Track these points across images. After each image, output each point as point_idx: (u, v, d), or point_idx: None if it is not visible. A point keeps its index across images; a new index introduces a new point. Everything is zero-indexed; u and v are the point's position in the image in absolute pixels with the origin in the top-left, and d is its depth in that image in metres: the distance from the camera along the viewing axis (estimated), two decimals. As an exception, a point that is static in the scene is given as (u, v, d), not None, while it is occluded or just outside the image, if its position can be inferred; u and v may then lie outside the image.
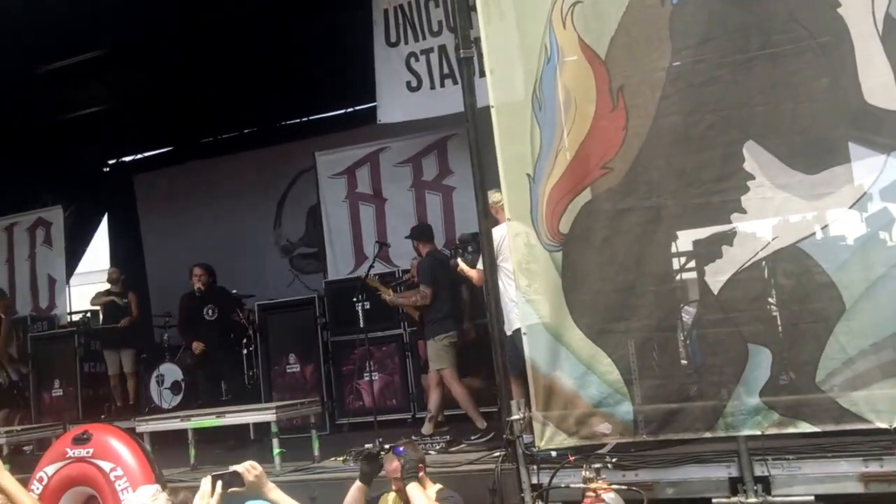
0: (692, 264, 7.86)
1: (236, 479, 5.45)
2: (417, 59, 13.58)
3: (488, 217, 8.97)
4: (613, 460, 7.80)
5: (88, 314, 18.62)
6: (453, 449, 10.63)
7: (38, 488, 9.56)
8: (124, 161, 23.14)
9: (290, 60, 17.44)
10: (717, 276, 7.58)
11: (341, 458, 10.73)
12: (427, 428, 11.76)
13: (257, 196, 20.30)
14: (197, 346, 14.43)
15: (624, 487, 7.42)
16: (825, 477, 7.45)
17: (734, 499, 7.58)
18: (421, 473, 7.49)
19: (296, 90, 18.68)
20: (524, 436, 8.37)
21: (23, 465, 11.44)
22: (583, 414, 8.02)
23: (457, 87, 10.07)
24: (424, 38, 13.55)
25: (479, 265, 9.75)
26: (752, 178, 7.42)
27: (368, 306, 12.89)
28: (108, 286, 16.99)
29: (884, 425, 7.08)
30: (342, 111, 19.61)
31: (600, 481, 7.32)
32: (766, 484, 7.54)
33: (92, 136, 20.32)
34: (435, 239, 13.96)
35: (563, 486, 7.89)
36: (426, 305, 11.89)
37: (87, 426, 10.07)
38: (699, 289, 7.77)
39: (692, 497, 7.91)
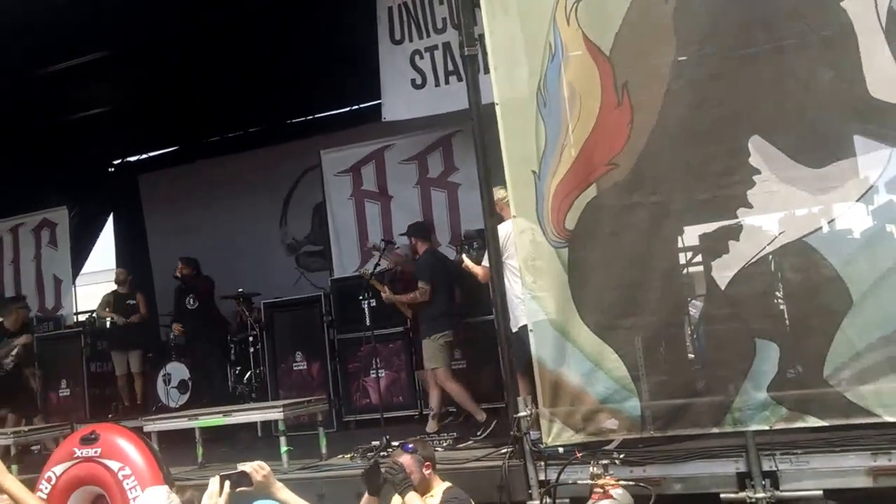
0: (699, 259, 7.88)
1: (244, 478, 5.45)
2: (422, 57, 13.55)
3: (494, 214, 8.98)
4: (621, 456, 7.77)
5: (95, 313, 18.60)
6: (461, 446, 10.62)
7: (46, 488, 9.57)
8: (129, 161, 23.13)
9: (294, 58, 17.40)
10: (724, 270, 7.58)
11: (349, 456, 10.73)
12: (431, 426, 11.77)
13: (263, 194, 20.26)
14: (176, 328, 15.34)
15: (632, 483, 7.40)
16: (833, 471, 7.42)
17: (742, 494, 7.56)
18: (429, 471, 7.47)
19: (300, 88, 18.66)
20: (531, 432, 8.38)
21: (31, 466, 11.48)
22: (590, 410, 8.02)
23: (461, 85, 10.05)
24: (429, 35, 13.53)
25: (485, 262, 9.75)
26: (758, 172, 7.42)
27: (374, 304, 12.88)
28: (114, 287, 16.99)
29: (891, 419, 7.10)
30: (347, 109, 19.58)
31: (608, 477, 7.30)
32: (774, 479, 7.52)
33: (96, 136, 20.29)
34: (440, 236, 14.01)
35: (570, 482, 7.90)
36: (423, 303, 11.89)
37: (94, 426, 10.08)
38: (706, 284, 7.78)
39: (700, 492, 7.90)
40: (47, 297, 18.70)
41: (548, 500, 8.10)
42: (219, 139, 21.58)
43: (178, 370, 15.95)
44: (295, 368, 15.23)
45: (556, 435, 8.16)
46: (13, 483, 5.74)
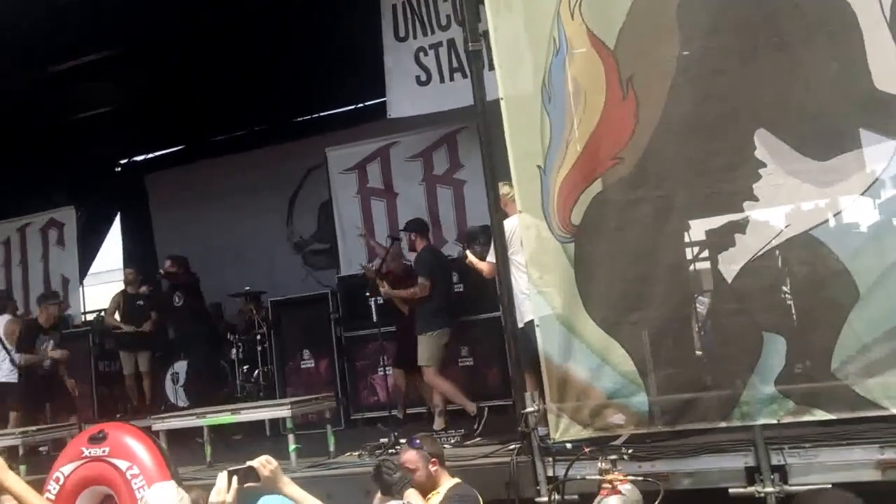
0: (705, 254, 7.87)
1: (252, 474, 5.43)
2: (426, 54, 13.57)
3: (499, 210, 8.97)
4: (629, 451, 7.77)
5: (102, 313, 18.61)
6: (468, 442, 10.61)
7: (54, 488, 9.58)
8: (135, 161, 23.16)
9: (298, 57, 17.41)
10: (731, 264, 7.57)
11: (356, 454, 10.73)
12: (438, 423, 11.78)
13: (269, 193, 20.27)
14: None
15: (640, 479, 7.40)
16: (842, 465, 7.41)
17: (751, 488, 7.53)
18: (435, 468, 7.46)
19: (305, 87, 18.67)
20: (539, 428, 8.37)
21: (39, 466, 11.50)
22: (597, 405, 8.01)
23: (466, 81, 10.05)
24: (433, 32, 13.54)
25: (490, 257, 9.75)
26: (764, 165, 7.41)
27: (381, 301, 12.90)
28: (122, 287, 17.01)
29: (899, 412, 7.09)
30: (352, 107, 19.59)
31: (616, 473, 7.29)
32: (782, 473, 7.49)
33: (102, 136, 20.31)
34: (446, 233, 14.03)
35: (578, 478, 7.88)
36: (421, 299, 11.90)
37: (102, 425, 10.09)
38: (713, 278, 7.76)
39: (709, 487, 7.89)
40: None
41: (556, 495, 8.09)
42: (224, 138, 21.61)
43: (185, 369, 15.97)
44: (303, 367, 15.27)
45: (564, 430, 8.15)
46: (16, 481, 5.75)
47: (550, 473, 8.23)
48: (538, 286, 8.34)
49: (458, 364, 13.85)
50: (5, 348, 14.97)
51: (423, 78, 13.57)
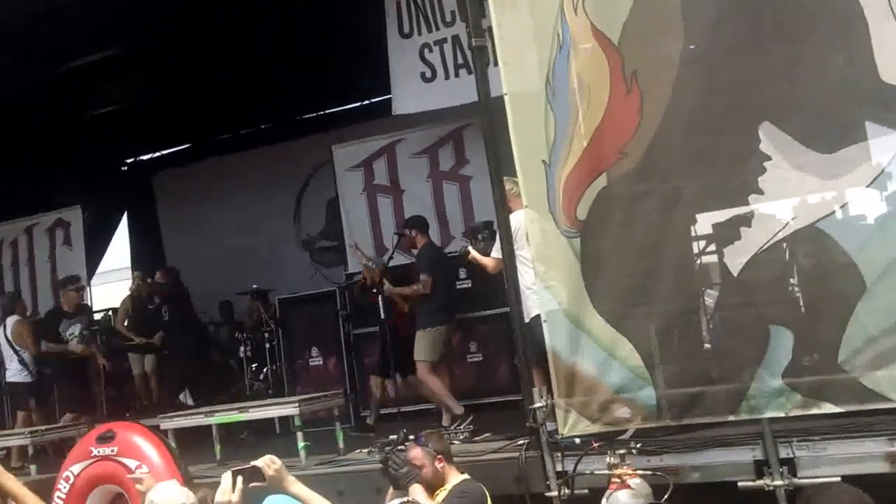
0: (712, 247, 7.87)
1: (257, 473, 5.42)
2: (431, 50, 13.56)
3: (505, 206, 8.97)
4: (638, 446, 7.78)
5: (110, 312, 18.63)
6: (477, 438, 10.62)
7: (65, 487, 9.65)
8: (142, 160, 23.13)
9: (304, 54, 17.42)
10: (737, 257, 7.58)
11: (366, 451, 10.73)
12: (446, 419, 11.78)
13: (276, 190, 20.27)
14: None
15: (649, 473, 7.41)
16: (851, 457, 7.39)
17: (760, 482, 7.54)
18: (442, 465, 7.49)
19: (311, 84, 18.66)
20: (547, 423, 8.38)
21: (49, 466, 11.53)
22: (605, 400, 8.03)
23: (471, 77, 10.03)
24: (438, 28, 13.54)
25: (494, 253, 9.76)
26: (769, 158, 7.41)
27: (391, 296, 12.88)
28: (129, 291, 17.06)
29: (907, 404, 7.09)
30: (357, 104, 19.58)
31: (625, 467, 7.31)
32: (791, 466, 7.49)
33: (108, 135, 20.29)
34: (453, 229, 14.02)
35: (588, 472, 7.90)
36: (422, 295, 11.90)
37: (110, 424, 10.13)
38: (720, 272, 7.77)
39: (718, 481, 7.89)
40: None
41: (566, 490, 8.10)
42: (230, 136, 21.58)
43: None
44: (311, 364, 15.28)
45: (573, 425, 8.16)
46: (14, 483, 5.78)
47: (560, 468, 8.23)
48: (544, 281, 8.36)
49: (466, 360, 13.87)
50: (13, 349, 15.02)
51: (428, 74, 13.56)
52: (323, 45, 16.82)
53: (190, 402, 15.47)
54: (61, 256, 18.69)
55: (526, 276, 9.01)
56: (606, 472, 7.38)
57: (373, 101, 18.41)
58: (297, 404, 11.02)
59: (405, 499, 6.49)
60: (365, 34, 14.76)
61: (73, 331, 14.91)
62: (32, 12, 13.08)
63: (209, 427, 11.46)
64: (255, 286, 15.98)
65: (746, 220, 7.51)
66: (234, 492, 5.15)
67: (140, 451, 9.23)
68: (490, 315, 13.38)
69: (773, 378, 7.38)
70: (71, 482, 9.65)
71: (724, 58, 7.66)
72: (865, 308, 7.12)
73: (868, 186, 7.19)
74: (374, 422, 12.85)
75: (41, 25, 13.53)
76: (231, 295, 17.58)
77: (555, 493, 8.15)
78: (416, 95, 13.65)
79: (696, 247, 8.00)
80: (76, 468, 9.66)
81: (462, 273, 13.50)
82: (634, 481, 7.19)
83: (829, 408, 7.30)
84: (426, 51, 13.57)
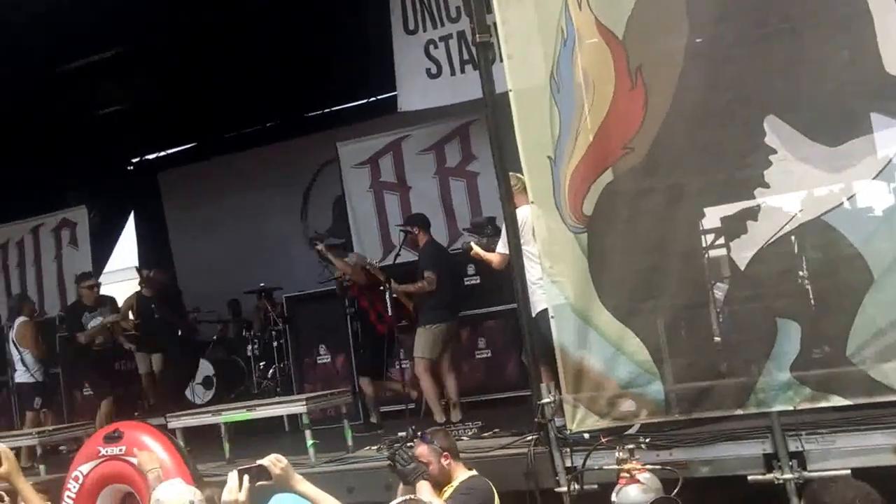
0: (720, 241, 7.87)
1: (263, 472, 5.41)
2: (436, 46, 13.57)
3: (511, 201, 8.96)
4: (647, 440, 7.79)
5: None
6: (485, 434, 10.62)
7: (74, 487, 9.68)
8: (148, 159, 23.17)
9: (309, 52, 17.43)
10: (743, 251, 7.57)
11: (375, 448, 10.74)
12: (454, 415, 11.80)
13: (282, 188, 20.27)
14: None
15: (658, 467, 7.41)
16: (860, 450, 7.39)
17: (770, 475, 7.54)
18: (448, 461, 7.49)
19: (316, 82, 18.68)
20: (556, 419, 8.38)
21: (58, 465, 11.55)
22: (613, 395, 8.02)
23: (477, 73, 10.05)
24: (443, 24, 13.54)
25: (499, 248, 9.76)
26: (774, 152, 7.39)
27: (396, 295, 12.88)
28: (137, 288, 17.04)
29: (915, 396, 7.07)
30: (363, 101, 19.57)
31: (634, 462, 7.31)
32: (801, 459, 7.49)
33: (114, 135, 20.32)
34: (461, 225, 14.03)
35: (597, 467, 7.90)
36: (427, 292, 11.91)
37: (117, 424, 10.15)
38: (730, 265, 7.76)
39: (727, 475, 7.89)
40: (69, 297, 18.68)
41: (575, 485, 8.10)
42: (236, 135, 21.59)
43: (202, 366, 16.01)
44: (319, 362, 15.28)
45: (581, 421, 8.16)
46: (30, 492, 5.83)
47: (569, 464, 8.24)
48: (551, 276, 8.36)
49: (475, 356, 13.89)
50: (18, 350, 15.06)
51: (434, 71, 13.57)
52: (328, 42, 16.82)
53: (198, 400, 15.50)
54: (67, 257, 18.73)
55: (532, 272, 9.00)
56: (615, 466, 7.37)
57: (378, 97, 18.40)
58: (304, 402, 11.02)
59: (407, 497, 6.48)
60: (370, 31, 14.78)
61: (94, 323, 14.92)
62: (33, 12, 13.10)
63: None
64: (262, 284, 16.01)
65: (752, 213, 7.50)
66: (240, 490, 5.15)
67: (148, 450, 9.23)
68: (499, 311, 13.41)
69: (782, 371, 7.37)
70: (80, 482, 9.67)
71: (728, 52, 7.65)
72: (873, 300, 7.10)
73: (874, 178, 7.17)
74: (378, 420, 12.86)
75: (42, 24, 13.54)
76: (238, 293, 17.59)
77: (564, 489, 8.16)
78: (421, 92, 13.66)
79: (704, 241, 8.00)
80: (85, 468, 9.68)
81: (471, 269, 13.52)
82: (644, 476, 7.17)
83: (837, 401, 7.29)
84: (431, 47, 13.58)
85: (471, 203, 15.57)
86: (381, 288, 12.35)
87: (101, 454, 9.63)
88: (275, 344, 15.52)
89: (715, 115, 7.65)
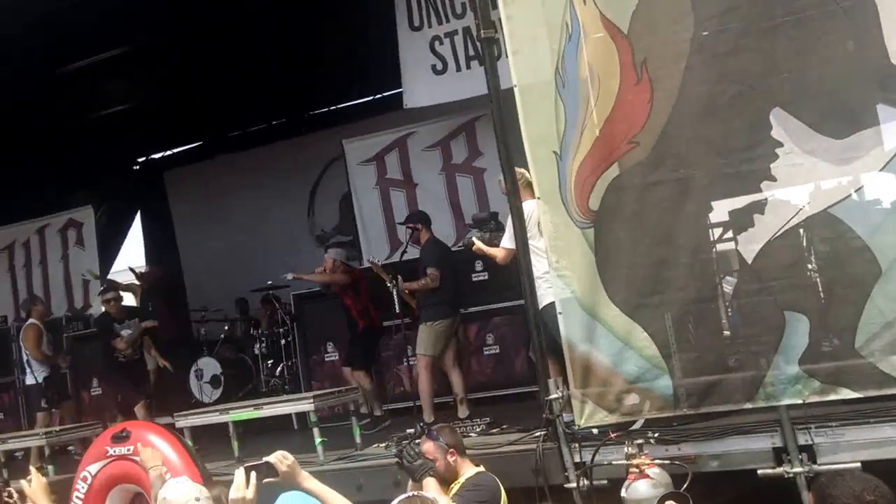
0: (728, 234, 7.84)
1: (270, 469, 5.42)
2: (442, 43, 13.57)
3: (518, 196, 8.95)
4: (656, 435, 7.78)
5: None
6: (494, 430, 10.61)
7: (83, 487, 9.68)
8: (154, 158, 23.21)
9: (314, 49, 17.45)
10: (751, 245, 7.54)
11: (384, 445, 10.74)
12: (462, 411, 11.80)
13: (289, 186, 20.29)
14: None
15: (668, 462, 7.39)
16: (870, 443, 7.36)
17: (780, 469, 7.52)
18: (454, 458, 7.48)
19: (321, 79, 18.71)
20: (564, 414, 8.37)
21: (67, 466, 11.56)
22: (621, 390, 8.00)
23: (482, 69, 10.04)
24: (448, 20, 13.54)
25: (504, 243, 9.75)
26: (781, 145, 7.36)
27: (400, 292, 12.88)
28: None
29: (924, 389, 7.05)
30: (369, 98, 19.58)
31: (643, 457, 7.29)
32: (810, 453, 7.47)
33: (119, 134, 20.35)
34: (468, 221, 14.02)
35: (606, 463, 7.90)
36: (430, 289, 11.91)
37: (124, 423, 10.16)
38: (738, 259, 7.74)
39: (737, 469, 7.87)
40: (76, 297, 18.75)
41: (585, 481, 8.09)
42: (242, 133, 21.62)
43: (209, 365, 15.99)
44: (327, 360, 15.28)
45: (589, 416, 8.14)
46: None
47: (577, 459, 8.22)
48: (558, 271, 8.33)
49: (483, 352, 13.88)
50: (24, 352, 15.12)
51: (439, 67, 13.57)
52: (333, 39, 16.84)
53: (206, 399, 15.50)
54: (74, 257, 18.77)
55: (538, 266, 8.99)
56: (625, 462, 7.36)
57: (384, 94, 18.41)
58: (311, 400, 11.02)
59: (410, 494, 6.48)
60: (376, 28, 14.78)
61: (127, 332, 14.93)
62: (34, 12, 13.09)
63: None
64: (270, 283, 16.03)
65: (759, 207, 7.47)
66: (247, 487, 5.14)
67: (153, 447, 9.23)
68: (507, 307, 13.38)
69: (790, 365, 7.35)
70: (89, 482, 9.67)
71: (733, 45, 7.61)
72: (881, 292, 7.08)
73: (881, 170, 7.14)
74: (382, 412, 12.87)
75: (46, 24, 13.54)
76: (245, 291, 17.60)
77: (573, 485, 8.15)
78: (427, 88, 13.66)
79: (711, 234, 7.97)
80: (93, 468, 9.69)
81: (478, 265, 13.51)
82: (653, 471, 7.16)
83: (846, 393, 7.26)
84: (437, 43, 13.57)
85: (478, 199, 15.58)
86: (388, 285, 12.31)
87: (108, 454, 9.62)
88: (282, 342, 15.55)
89: (721, 108, 7.61)
